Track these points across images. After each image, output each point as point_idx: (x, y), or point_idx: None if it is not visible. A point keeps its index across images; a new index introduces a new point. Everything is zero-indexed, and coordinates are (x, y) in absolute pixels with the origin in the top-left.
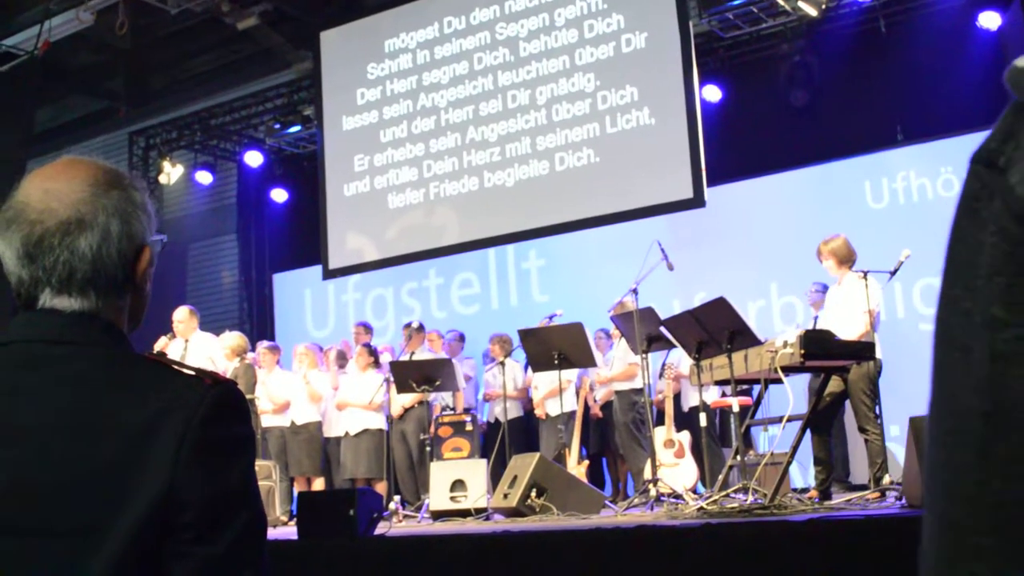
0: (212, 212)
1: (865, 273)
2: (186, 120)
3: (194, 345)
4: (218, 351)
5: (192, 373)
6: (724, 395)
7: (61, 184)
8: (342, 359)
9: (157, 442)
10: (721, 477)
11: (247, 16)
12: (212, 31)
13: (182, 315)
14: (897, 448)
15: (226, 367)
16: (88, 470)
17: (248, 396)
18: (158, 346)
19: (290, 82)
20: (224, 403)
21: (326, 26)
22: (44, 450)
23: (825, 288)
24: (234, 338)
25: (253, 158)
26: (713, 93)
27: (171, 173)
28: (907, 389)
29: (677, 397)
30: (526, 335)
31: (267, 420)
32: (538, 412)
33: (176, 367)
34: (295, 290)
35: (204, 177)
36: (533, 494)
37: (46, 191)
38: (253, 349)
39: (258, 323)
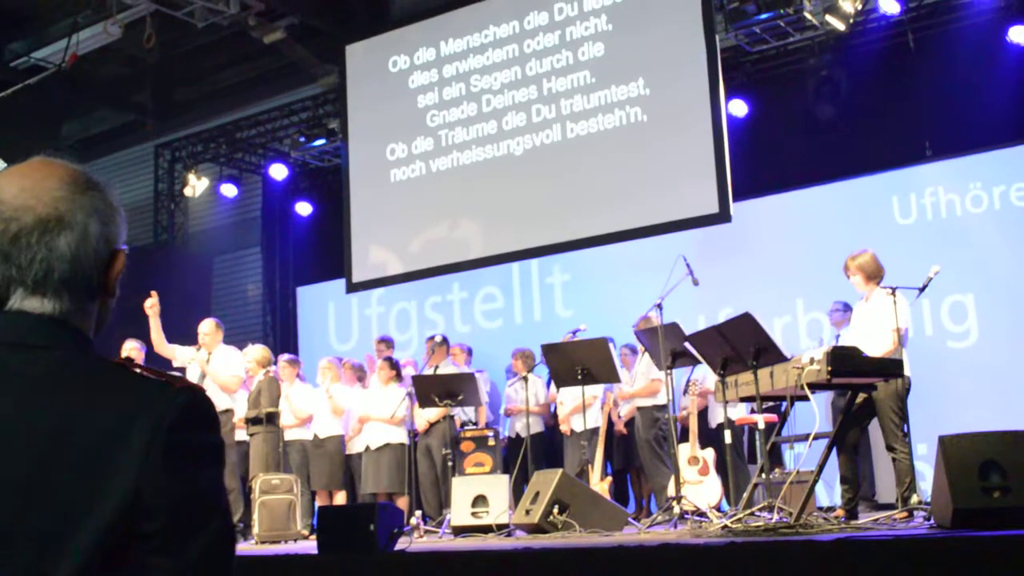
0: (237, 225)
1: (894, 289)
2: (212, 133)
3: (217, 357)
4: (241, 364)
5: (160, 379)
6: (753, 412)
7: (37, 182)
8: (360, 372)
9: (123, 448)
10: (746, 495)
11: (273, 30)
12: (238, 45)
13: (208, 327)
14: (925, 467)
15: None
16: (51, 477)
17: (271, 409)
18: (184, 357)
19: (315, 96)
20: (192, 410)
21: (352, 40)
22: (5, 456)
23: (846, 307)
24: (259, 350)
25: (278, 171)
26: (739, 108)
27: (196, 186)
28: (935, 407)
29: (703, 414)
30: (549, 350)
31: (289, 433)
32: (563, 428)
33: (144, 372)
34: (319, 303)
35: (229, 190)
36: (555, 510)
37: (21, 188)
38: (276, 363)
39: (282, 336)
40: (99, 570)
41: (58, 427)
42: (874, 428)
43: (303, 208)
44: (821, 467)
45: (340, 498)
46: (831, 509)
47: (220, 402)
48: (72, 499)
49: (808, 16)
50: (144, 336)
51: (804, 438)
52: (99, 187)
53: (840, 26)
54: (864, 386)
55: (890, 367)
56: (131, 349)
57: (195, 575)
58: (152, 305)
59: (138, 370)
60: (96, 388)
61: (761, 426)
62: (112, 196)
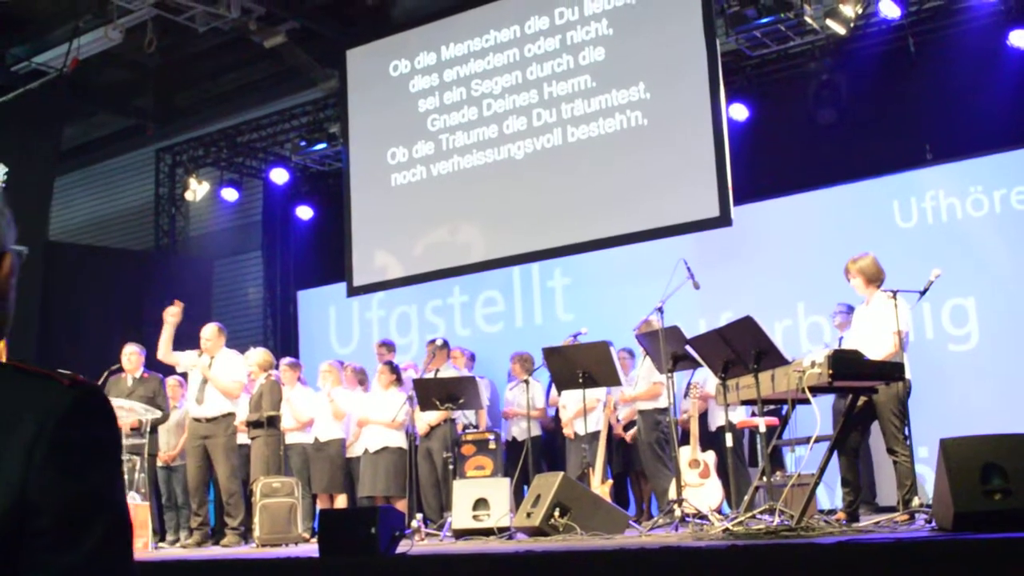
0: (237, 229)
1: (894, 293)
2: (212, 137)
3: (220, 362)
4: (243, 368)
5: (49, 376)
6: (754, 415)
7: None
8: (362, 376)
9: (9, 446)
10: (747, 498)
11: (274, 34)
12: (239, 49)
13: (210, 332)
14: (926, 470)
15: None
16: None
17: (272, 412)
18: (187, 362)
19: (316, 100)
20: (82, 405)
21: (352, 44)
22: None
23: (850, 309)
24: (260, 354)
25: (279, 175)
26: (740, 112)
27: (197, 190)
28: (936, 410)
29: (704, 417)
30: (551, 353)
31: (290, 437)
32: (566, 431)
33: (34, 370)
34: (320, 307)
35: (230, 194)
36: (556, 513)
37: None
38: (277, 367)
39: (283, 340)
40: None
41: None
42: (875, 431)
43: (304, 212)
44: (822, 470)
45: (341, 501)
46: (832, 512)
47: (221, 406)
48: None
49: (809, 20)
50: (144, 341)
51: (805, 441)
52: None
53: (841, 30)
54: (865, 389)
55: (891, 370)
56: (131, 353)
57: (89, 571)
58: (174, 314)
59: (29, 368)
60: None
61: (762, 429)
62: None
